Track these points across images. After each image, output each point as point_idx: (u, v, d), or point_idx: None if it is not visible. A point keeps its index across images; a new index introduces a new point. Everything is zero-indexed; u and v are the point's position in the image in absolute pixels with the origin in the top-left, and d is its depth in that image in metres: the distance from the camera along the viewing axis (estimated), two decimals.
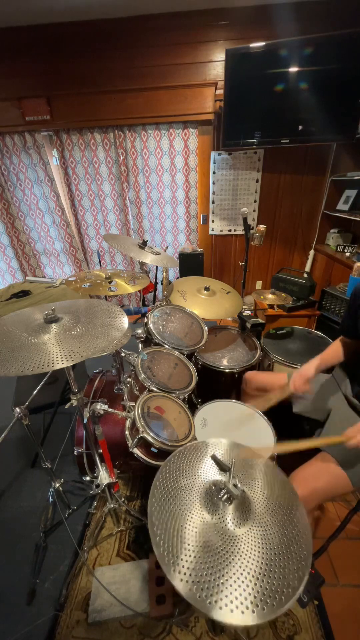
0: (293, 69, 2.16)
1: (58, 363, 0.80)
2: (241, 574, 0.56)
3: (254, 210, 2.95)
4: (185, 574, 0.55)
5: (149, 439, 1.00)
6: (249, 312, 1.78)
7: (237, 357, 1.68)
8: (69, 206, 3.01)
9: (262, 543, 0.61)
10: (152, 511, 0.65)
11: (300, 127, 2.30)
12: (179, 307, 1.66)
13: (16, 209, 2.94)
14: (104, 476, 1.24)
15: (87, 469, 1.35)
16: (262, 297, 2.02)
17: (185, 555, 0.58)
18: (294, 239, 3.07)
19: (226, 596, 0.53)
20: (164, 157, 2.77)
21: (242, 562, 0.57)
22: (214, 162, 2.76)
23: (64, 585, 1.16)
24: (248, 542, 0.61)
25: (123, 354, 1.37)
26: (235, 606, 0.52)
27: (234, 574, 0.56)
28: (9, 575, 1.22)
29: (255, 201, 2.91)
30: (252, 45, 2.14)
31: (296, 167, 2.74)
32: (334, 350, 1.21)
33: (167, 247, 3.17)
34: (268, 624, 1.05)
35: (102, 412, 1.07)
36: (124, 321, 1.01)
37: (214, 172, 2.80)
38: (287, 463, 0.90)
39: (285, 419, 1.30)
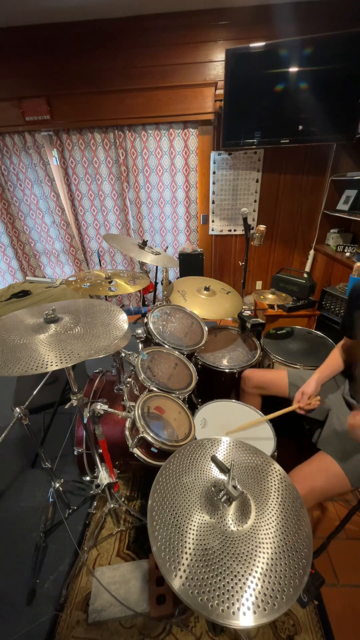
0: (293, 69, 2.16)
1: (59, 363, 0.80)
2: (242, 575, 0.56)
3: (254, 210, 2.95)
4: (186, 577, 0.55)
5: (149, 439, 1.00)
6: (249, 312, 1.78)
7: (237, 357, 1.68)
8: (69, 206, 3.01)
9: (262, 544, 0.61)
10: (152, 515, 0.65)
11: (300, 127, 2.30)
12: (179, 307, 1.66)
13: (16, 209, 2.94)
14: (104, 476, 1.24)
15: (87, 469, 1.35)
16: (262, 297, 2.02)
17: (186, 559, 0.58)
18: (294, 239, 3.07)
19: (227, 598, 0.53)
20: (164, 157, 2.77)
21: (242, 563, 0.57)
22: (214, 162, 2.76)
23: (64, 586, 1.16)
24: (248, 543, 0.61)
25: (123, 354, 1.37)
26: (237, 608, 0.51)
27: (235, 575, 0.56)
28: (9, 575, 1.22)
29: (255, 201, 2.91)
30: (252, 45, 2.14)
31: (296, 167, 2.74)
32: (332, 360, 1.23)
33: (167, 247, 3.17)
34: (268, 624, 1.05)
35: (102, 412, 1.07)
36: (124, 320, 1.01)
37: (214, 172, 2.80)
38: (286, 462, 0.90)
39: (285, 419, 1.30)
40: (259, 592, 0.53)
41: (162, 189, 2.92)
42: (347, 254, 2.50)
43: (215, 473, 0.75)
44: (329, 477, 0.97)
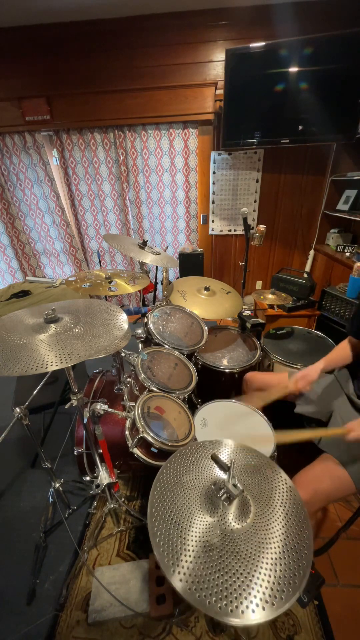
0: (293, 69, 2.16)
1: (59, 363, 0.80)
2: (241, 574, 0.56)
3: (254, 210, 2.95)
4: (185, 574, 0.55)
5: (149, 439, 1.00)
6: (249, 312, 1.78)
7: (237, 357, 1.68)
8: (69, 206, 3.01)
9: (263, 543, 0.61)
10: (152, 512, 0.65)
11: (300, 127, 2.30)
12: (179, 307, 1.66)
13: (16, 209, 2.94)
14: (104, 476, 1.24)
15: (87, 469, 1.35)
16: (262, 297, 2.02)
17: (185, 555, 0.58)
18: (294, 239, 3.07)
19: (226, 596, 0.53)
20: (164, 157, 2.77)
21: (242, 562, 0.57)
22: (214, 162, 2.76)
23: (64, 585, 1.16)
24: (248, 542, 0.61)
25: (123, 354, 1.37)
26: (235, 606, 0.52)
27: (234, 573, 0.56)
28: (9, 575, 1.22)
29: (255, 201, 2.91)
30: (252, 45, 2.14)
31: (296, 167, 2.74)
32: (340, 351, 1.20)
33: (167, 247, 3.17)
34: (268, 624, 1.05)
35: (102, 412, 1.07)
36: (124, 320, 1.01)
37: (214, 172, 2.80)
38: (290, 465, 0.90)
39: (285, 419, 1.30)
40: (258, 591, 0.53)
41: (162, 189, 2.92)
42: (347, 254, 2.50)
43: (216, 473, 0.75)
44: (333, 480, 0.97)
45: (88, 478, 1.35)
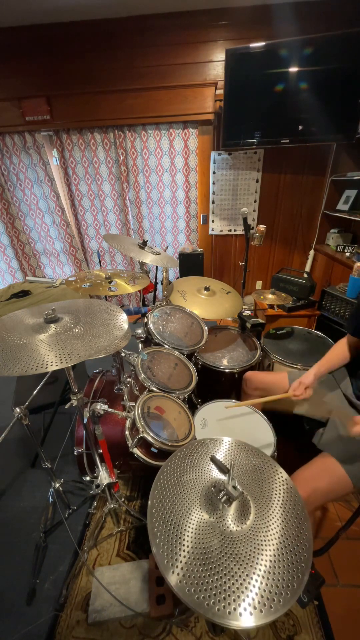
0: (293, 69, 2.16)
1: (59, 363, 0.80)
2: (240, 575, 0.56)
3: (254, 210, 2.95)
4: (183, 575, 0.55)
5: (149, 439, 1.00)
6: (249, 312, 1.78)
7: (237, 357, 1.68)
8: (69, 206, 3.01)
9: (262, 545, 0.61)
10: (152, 512, 0.65)
11: (300, 127, 2.30)
12: (179, 307, 1.66)
13: (16, 209, 2.94)
14: (104, 476, 1.24)
15: (87, 469, 1.35)
16: (262, 297, 2.02)
17: (184, 556, 0.58)
18: (294, 239, 3.07)
19: (224, 598, 0.52)
20: (164, 157, 2.77)
21: (241, 564, 0.57)
22: (214, 162, 2.76)
23: (64, 586, 1.16)
24: (247, 544, 0.61)
25: (123, 354, 1.37)
26: (233, 608, 0.51)
27: (232, 575, 0.56)
28: (9, 575, 1.22)
29: (255, 201, 2.91)
30: (252, 45, 2.14)
31: (296, 167, 2.74)
32: (337, 352, 1.20)
33: (167, 247, 3.17)
34: (268, 624, 1.05)
35: (102, 412, 1.07)
36: (124, 320, 1.01)
37: (214, 172, 2.80)
38: (286, 462, 0.90)
39: (285, 419, 1.30)
40: (256, 594, 0.53)
41: (162, 189, 2.92)
42: (347, 254, 2.50)
43: (216, 473, 0.75)
44: (332, 478, 0.97)
45: (88, 478, 1.35)
